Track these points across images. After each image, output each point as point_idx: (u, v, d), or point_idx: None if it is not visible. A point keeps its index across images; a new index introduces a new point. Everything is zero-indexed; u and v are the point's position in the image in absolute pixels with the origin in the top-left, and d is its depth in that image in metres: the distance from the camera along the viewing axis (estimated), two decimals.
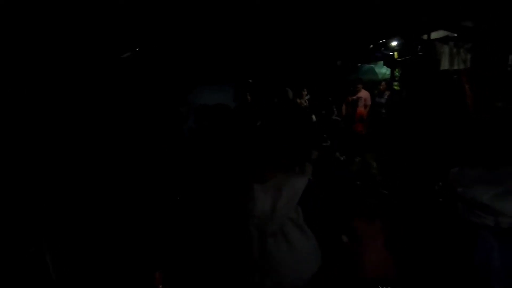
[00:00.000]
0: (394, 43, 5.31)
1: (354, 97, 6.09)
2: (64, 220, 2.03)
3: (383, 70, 7.84)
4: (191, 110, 4.11)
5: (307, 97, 6.32)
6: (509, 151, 2.39)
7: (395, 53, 5.69)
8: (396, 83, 6.25)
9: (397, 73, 6.18)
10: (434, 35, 4.12)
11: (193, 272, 2.04)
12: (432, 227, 2.44)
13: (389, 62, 6.05)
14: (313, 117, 5.04)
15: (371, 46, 5.85)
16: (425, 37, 4.20)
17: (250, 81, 6.76)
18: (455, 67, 3.64)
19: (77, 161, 2.43)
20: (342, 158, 2.80)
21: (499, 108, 2.79)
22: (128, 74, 3.49)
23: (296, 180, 1.63)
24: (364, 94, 6.15)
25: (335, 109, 6.27)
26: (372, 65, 8.21)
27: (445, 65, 3.69)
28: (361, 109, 6.01)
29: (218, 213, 1.76)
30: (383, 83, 7.05)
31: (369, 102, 6.12)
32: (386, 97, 6.38)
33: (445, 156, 2.87)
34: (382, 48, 5.99)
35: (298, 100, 5.23)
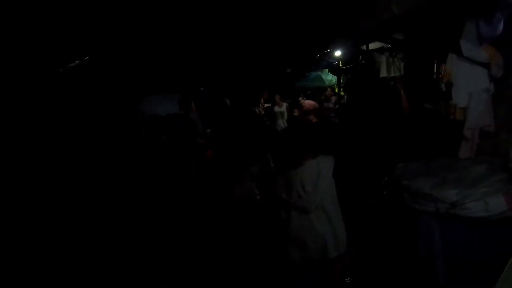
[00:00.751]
0: (338, 53, 5.77)
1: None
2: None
3: (329, 77, 8.41)
4: (143, 119, 3.99)
5: (266, 105, 6.50)
6: (439, 145, 2.78)
7: (340, 62, 6.19)
8: (341, 89, 6.77)
9: (342, 80, 6.71)
10: (372, 46, 4.60)
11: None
12: (380, 218, 2.69)
13: (335, 70, 6.54)
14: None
15: (318, 55, 6.27)
16: (364, 47, 4.66)
17: (202, 89, 6.72)
18: (392, 75, 4.10)
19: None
20: None
21: (428, 109, 3.21)
22: (77, 83, 3.26)
23: (326, 159, 1.96)
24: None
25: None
26: (319, 73, 8.76)
27: (383, 72, 4.13)
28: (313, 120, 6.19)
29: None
30: (328, 89, 7.58)
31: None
32: (333, 101, 6.84)
33: (388, 154, 3.20)
34: (328, 57, 6.47)
35: (256, 109, 5.34)
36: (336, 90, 7.20)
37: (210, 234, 2.27)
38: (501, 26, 2.06)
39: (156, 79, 4.59)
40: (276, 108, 6.58)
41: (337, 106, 6.46)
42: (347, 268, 2.21)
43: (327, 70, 8.18)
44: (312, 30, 3.87)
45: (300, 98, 6.50)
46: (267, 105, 6.80)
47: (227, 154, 2.72)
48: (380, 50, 4.33)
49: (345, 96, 6.15)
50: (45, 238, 1.91)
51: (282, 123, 6.35)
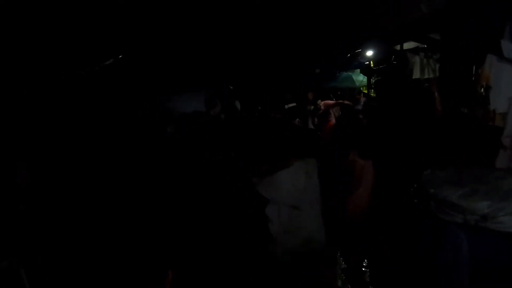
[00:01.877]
0: (370, 53, 5.59)
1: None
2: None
3: (360, 78, 8.17)
4: (171, 118, 4.14)
5: (290, 105, 6.48)
6: (473, 153, 2.61)
7: (371, 62, 5.99)
8: (372, 90, 6.55)
9: (373, 81, 6.48)
10: (406, 46, 4.40)
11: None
12: (408, 225, 2.59)
13: (366, 70, 6.34)
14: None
15: (349, 55, 6.11)
16: (398, 47, 4.47)
17: (231, 87, 6.83)
18: (426, 76, 3.90)
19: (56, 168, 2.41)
20: None
21: (464, 114, 3.02)
22: (111, 81, 3.47)
23: (311, 161, 2.10)
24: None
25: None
26: (350, 73, 8.53)
27: (417, 74, 3.94)
28: (332, 121, 6.08)
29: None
30: (357, 90, 7.35)
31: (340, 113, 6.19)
32: (362, 103, 6.63)
33: (419, 159, 3.06)
34: (359, 57, 6.28)
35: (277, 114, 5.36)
36: (366, 91, 6.98)
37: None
38: None
39: (184, 77, 4.72)
40: (308, 107, 6.54)
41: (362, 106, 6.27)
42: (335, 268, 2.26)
43: (358, 70, 7.95)
44: (338, 29, 3.79)
45: (319, 101, 6.39)
46: (292, 104, 6.76)
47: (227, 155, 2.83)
48: (414, 51, 4.14)
49: (373, 97, 5.96)
50: (53, 237, 1.95)
51: (311, 123, 6.32)
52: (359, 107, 6.66)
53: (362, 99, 6.71)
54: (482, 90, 2.71)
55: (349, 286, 2.62)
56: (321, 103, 5.96)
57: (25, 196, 2.01)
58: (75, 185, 2.35)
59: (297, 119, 6.33)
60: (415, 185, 2.79)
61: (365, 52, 5.56)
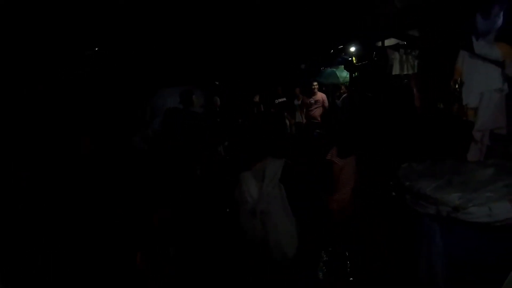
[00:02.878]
0: (352, 49, 5.66)
1: (311, 100, 6.19)
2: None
3: (344, 74, 8.24)
4: (155, 112, 4.06)
5: (280, 100, 6.53)
6: (449, 146, 2.69)
7: (353, 58, 6.06)
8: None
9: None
10: (387, 42, 4.47)
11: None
12: (387, 218, 2.66)
13: (349, 66, 6.41)
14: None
15: (332, 51, 6.16)
16: (379, 44, 4.54)
17: (217, 83, 6.78)
18: (405, 72, 3.99)
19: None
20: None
21: (440, 109, 3.11)
22: (90, 73, 3.39)
23: (274, 162, 1.96)
24: (320, 96, 6.31)
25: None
26: (334, 69, 8.60)
27: (396, 70, 4.02)
28: (317, 111, 6.13)
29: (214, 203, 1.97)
30: (342, 86, 7.43)
31: (326, 104, 6.27)
32: (341, 100, 6.72)
33: (398, 154, 3.13)
34: (343, 53, 6.34)
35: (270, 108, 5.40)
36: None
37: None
38: (500, 20, 1.95)
39: (165, 72, 4.64)
40: (296, 101, 6.59)
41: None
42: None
43: (342, 66, 8.03)
44: (322, 26, 3.82)
45: (297, 89, 6.48)
46: (282, 99, 6.81)
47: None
48: (394, 47, 4.21)
49: (348, 93, 6.05)
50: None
51: (300, 116, 6.38)
52: (339, 104, 6.76)
53: (344, 95, 6.81)
54: (456, 85, 2.79)
55: (332, 278, 2.68)
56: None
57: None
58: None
59: (286, 113, 6.41)
60: (393, 179, 2.87)
61: (348, 48, 5.62)
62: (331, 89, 8.50)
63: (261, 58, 6.37)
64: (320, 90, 7.23)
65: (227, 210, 2.46)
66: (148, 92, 4.12)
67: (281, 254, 1.96)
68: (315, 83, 6.25)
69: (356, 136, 2.99)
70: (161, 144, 3.06)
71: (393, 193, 3.01)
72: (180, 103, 3.63)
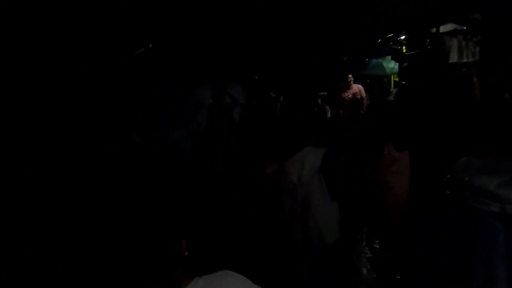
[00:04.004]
0: (402, 37, 5.31)
1: (348, 94, 5.96)
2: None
3: (391, 65, 7.81)
4: (198, 106, 4.16)
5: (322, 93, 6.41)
6: None
7: (403, 48, 5.69)
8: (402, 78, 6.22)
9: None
10: (443, 28, 4.11)
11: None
12: (441, 217, 2.49)
13: (398, 56, 6.04)
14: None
15: (379, 40, 5.83)
16: (433, 30, 4.19)
17: (256, 77, 6.80)
18: (464, 60, 3.65)
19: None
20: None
21: (506, 99, 2.80)
22: (141, 70, 3.55)
23: (314, 151, 1.99)
24: (357, 87, 6.03)
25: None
26: (380, 60, 8.18)
27: (454, 58, 3.69)
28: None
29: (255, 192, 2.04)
30: (385, 79, 7.02)
31: (363, 95, 5.99)
32: (394, 94, 6.34)
33: (453, 149, 2.90)
34: (391, 43, 5.97)
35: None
36: (397, 78, 6.65)
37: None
38: None
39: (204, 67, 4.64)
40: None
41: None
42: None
43: (389, 57, 7.58)
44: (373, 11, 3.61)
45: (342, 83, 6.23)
46: (323, 93, 6.67)
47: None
48: (452, 33, 3.87)
49: (406, 84, 5.67)
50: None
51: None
52: (391, 98, 6.39)
53: (393, 90, 6.45)
54: None
55: (375, 275, 2.59)
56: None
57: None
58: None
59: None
60: (449, 175, 2.67)
61: (397, 37, 5.28)
62: (376, 81, 8.08)
63: (300, 49, 6.19)
64: (363, 83, 6.92)
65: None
66: (187, 87, 4.17)
67: (320, 242, 1.97)
68: (349, 75, 6.02)
69: (412, 129, 2.83)
70: (212, 139, 3.11)
71: (447, 190, 2.80)
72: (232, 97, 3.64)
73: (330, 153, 2.09)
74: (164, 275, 0.78)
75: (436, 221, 2.54)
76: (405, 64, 5.59)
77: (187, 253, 0.84)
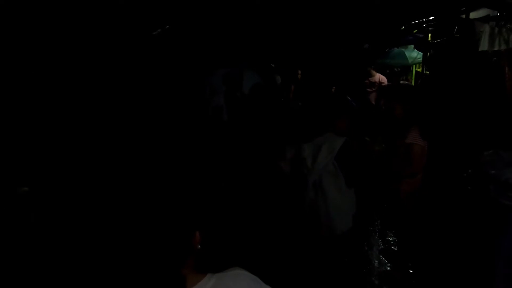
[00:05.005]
0: (427, 24, 5.02)
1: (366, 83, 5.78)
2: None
3: (414, 54, 7.46)
4: (214, 91, 4.16)
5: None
6: None
7: (429, 35, 5.40)
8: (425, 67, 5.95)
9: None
10: (473, 15, 3.85)
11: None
12: (462, 211, 2.39)
13: (422, 45, 5.74)
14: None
15: (403, 27, 5.56)
16: (463, 16, 3.94)
17: (273, 65, 6.70)
18: (495, 48, 3.41)
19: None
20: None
21: None
22: (159, 52, 3.55)
23: (334, 139, 1.97)
24: (378, 78, 5.84)
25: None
26: (403, 49, 7.83)
27: (484, 46, 3.46)
28: (372, 95, 5.73)
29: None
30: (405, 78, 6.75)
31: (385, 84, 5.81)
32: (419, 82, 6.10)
33: (479, 141, 2.76)
34: (415, 30, 5.68)
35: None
36: (420, 69, 6.35)
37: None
38: None
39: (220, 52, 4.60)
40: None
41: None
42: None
43: (411, 46, 7.25)
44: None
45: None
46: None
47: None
48: (484, 19, 3.61)
49: (429, 75, 5.44)
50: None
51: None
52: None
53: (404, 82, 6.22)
54: None
55: (388, 268, 2.55)
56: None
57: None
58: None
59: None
60: (472, 168, 2.54)
61: (423, 24, 5.00)
62: (397, 72, 7.79)
63: (322, 38, 6.02)
64: (383, 72, 6.67)
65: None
66: (204, 72, 4.18)
67: (330, 229, 1.96)
68: (370, 68, 5.84)
69: (436, 120, 2.71)
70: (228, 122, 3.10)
71: (470, 183, 2.68)
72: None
73: (348, 142, 2.02)
74: (171, 266, 0.70)
75: (458, 213, 2.45)
76: (430, 53, 5.32)
77: (199, 246, 0.77)
